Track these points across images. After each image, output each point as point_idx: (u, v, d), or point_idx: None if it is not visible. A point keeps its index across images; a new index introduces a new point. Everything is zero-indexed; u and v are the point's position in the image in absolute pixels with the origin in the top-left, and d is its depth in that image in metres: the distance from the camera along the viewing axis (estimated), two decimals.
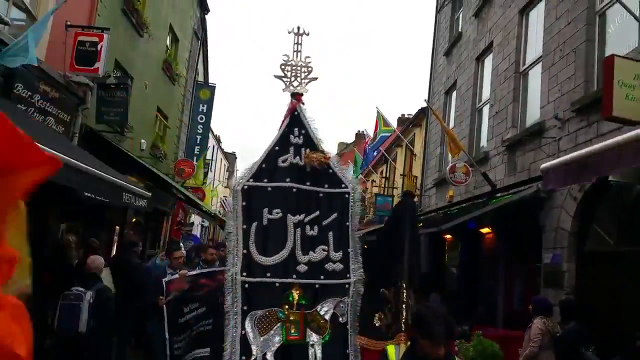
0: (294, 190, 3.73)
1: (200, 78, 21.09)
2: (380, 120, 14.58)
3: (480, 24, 11.12)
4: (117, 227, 12.03)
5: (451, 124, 12.66)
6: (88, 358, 5.59)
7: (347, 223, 3.77)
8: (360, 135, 30.64)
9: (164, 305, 5.30)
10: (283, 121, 3.91)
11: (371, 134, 18.88)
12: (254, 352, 3.39)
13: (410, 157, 17.54)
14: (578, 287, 6.29)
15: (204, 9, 18.45)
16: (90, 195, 6.65)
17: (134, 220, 13.77)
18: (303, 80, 3.98)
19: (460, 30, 12.87)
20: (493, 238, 9.39)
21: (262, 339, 3.41)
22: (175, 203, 16.56)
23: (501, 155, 8.98)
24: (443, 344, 2.53)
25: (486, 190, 9.14)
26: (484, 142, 10.37)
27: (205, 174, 22.56)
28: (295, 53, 4.01)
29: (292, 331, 3.46)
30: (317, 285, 3.57)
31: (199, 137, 19.17)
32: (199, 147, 19.14)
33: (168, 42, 15.20)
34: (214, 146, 30.67)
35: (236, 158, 49.51)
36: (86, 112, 9.26)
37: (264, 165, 3.76)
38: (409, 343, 2.86)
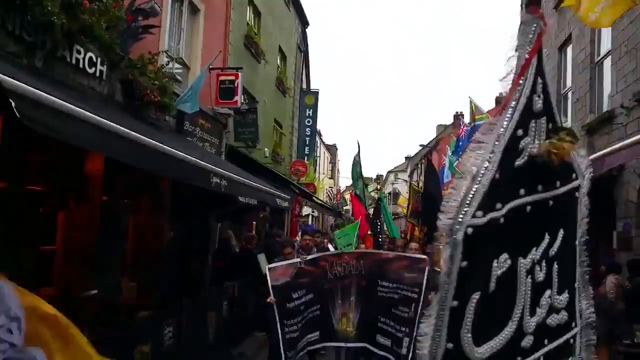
0: (528, 209, 1.82)
1: (304, 85, 23.43)
2: (472, 109, 15.60)
3: (561, 17, 11.99)
4: (254, 222, 14.57)
5: None
6: None
7: (576, 241, 2.05)
8: (457, 117, 30.46)
9: (272, 294, 5.47)
10: (523, 69, 1.81)
11: (467, 117, 19.75)
12: None
13: None
14: None
15: (304, 24, 20.65)
16: (245, 200, 8.99)
17: (261, 215, 16.34)
18: None
19: None
20: None
21: None
22: (292, 198, 19.02)
23: (582, 138, 10.01)
24: None
25: None
26: (567, 126, 11.35)
27: (314, 169, 24.99)
28: None
29: None
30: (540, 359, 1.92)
31: (307, 138, 21.53)
32: (308, 147, 21.52)
33: (278, 61, 17.56)
34: (317, 141, 33.14)
35: (337, 149, 51.70)
36: (227, 134, 11.75)
37: (497, 176, 1.70)
38: None
